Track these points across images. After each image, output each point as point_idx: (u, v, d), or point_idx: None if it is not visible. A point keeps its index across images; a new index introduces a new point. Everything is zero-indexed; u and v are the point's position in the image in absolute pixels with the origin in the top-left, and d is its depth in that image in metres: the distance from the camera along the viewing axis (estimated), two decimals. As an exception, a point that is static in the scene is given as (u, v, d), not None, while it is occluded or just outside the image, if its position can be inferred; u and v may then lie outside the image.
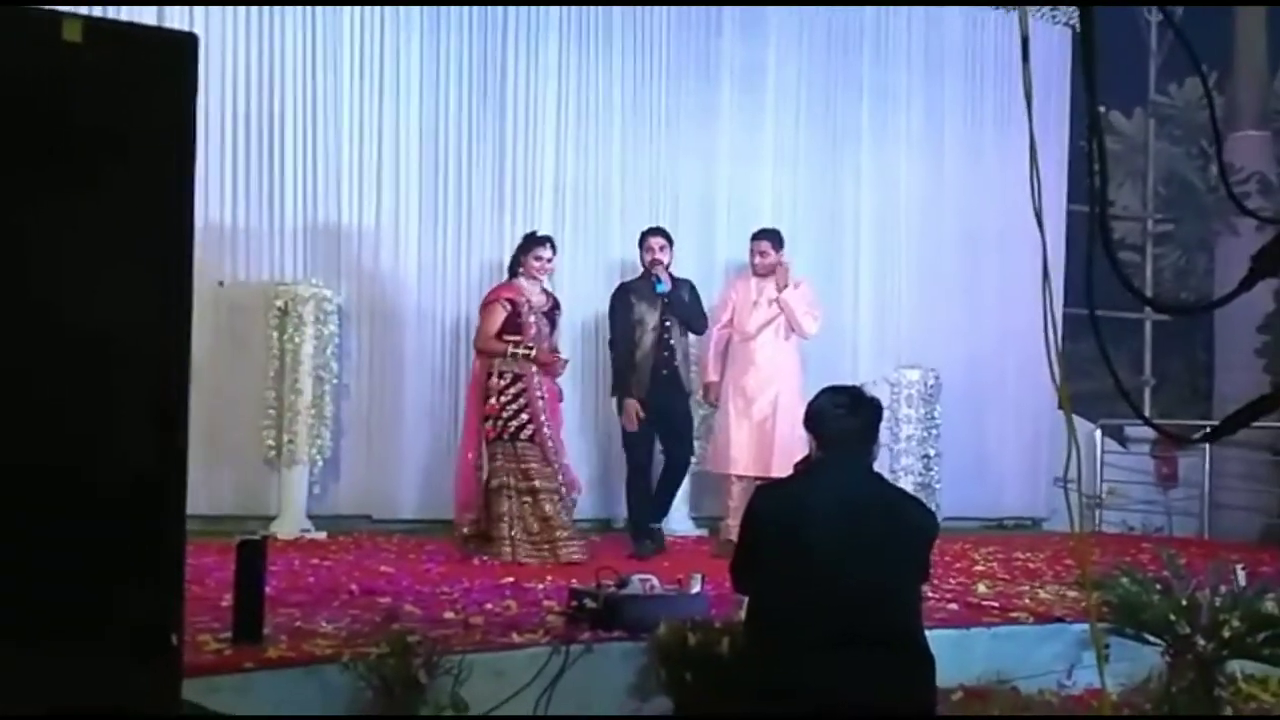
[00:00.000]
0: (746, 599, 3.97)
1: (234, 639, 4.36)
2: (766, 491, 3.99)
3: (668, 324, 7.83)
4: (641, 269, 8.00)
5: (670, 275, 7.86)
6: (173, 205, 2.51)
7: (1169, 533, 10.26)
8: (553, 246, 7.57)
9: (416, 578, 6.22)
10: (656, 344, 7.79)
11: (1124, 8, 11.15)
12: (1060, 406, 2.41)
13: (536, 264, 7.45)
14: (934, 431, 10.01)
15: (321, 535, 7.85)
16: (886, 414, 9.76)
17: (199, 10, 8.01)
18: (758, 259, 8.26)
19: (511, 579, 6.22)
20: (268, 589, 4.79)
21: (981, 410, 10.62)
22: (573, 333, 8.85)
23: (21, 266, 2.42)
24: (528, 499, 7.16)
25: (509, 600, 5.48)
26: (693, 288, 8.01)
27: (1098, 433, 11.10)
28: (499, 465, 7.19)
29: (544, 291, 7.57)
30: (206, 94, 7.98)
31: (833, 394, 3.95)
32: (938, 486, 9.99)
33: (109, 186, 2.44)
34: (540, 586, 5.93)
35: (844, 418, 3.85)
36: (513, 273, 7.52)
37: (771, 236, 8.32)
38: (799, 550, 3.58)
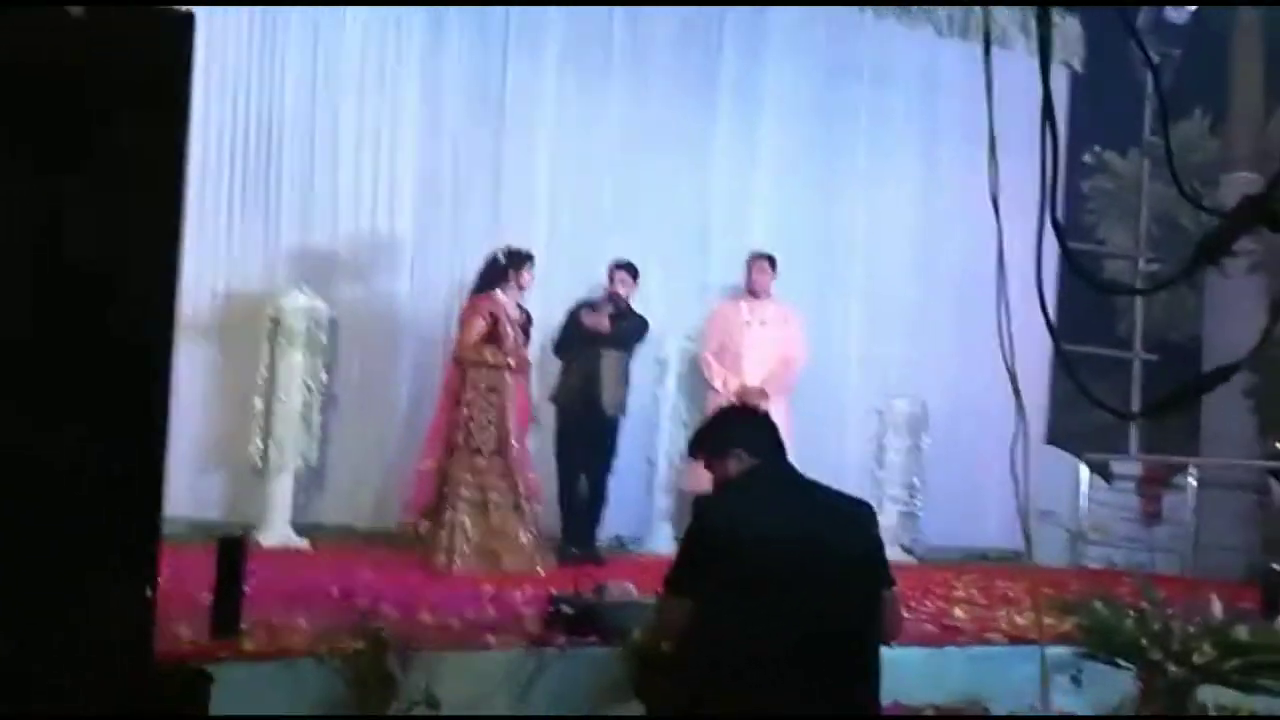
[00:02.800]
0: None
1: (211, 633, 4.39)
2: (715, 501, 3.79)
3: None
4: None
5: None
6: (168, 173, 2.59)
7: (1152, 569, 10.28)
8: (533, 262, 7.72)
9: (396, 584, 6.24)
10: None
11: (1119, 49, 11.21)
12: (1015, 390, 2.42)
13: (528, 278, 7.54)
14: (919, 461, 10.08)
15: (304, 543, 7.87)
16: (873, 443, 10.01)
17: (200, 21, 8.07)
18: (756, 277, 8.41)
19: (491, 588, 6.24)
20: (247, 590, 4.82)
21: (968, 441, 10.64)
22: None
23: (26, 231, 2.51)
24: (478, 509, 7.18)
25: (487, 606, 5.51)
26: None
27: (1083, 468, 11.13)
28: (453, 473, 7.21)
29: (519, 305, 7.66)
30: (206, 107, 8.14)
31: (732, 411, 4.18)
32: (921, 516, 10.05)
33: (109, 154, 2.53)
34: (519, 594, 5.95)
35: (757, 429, 3.85)
36: (490, 283, 7.56)
37: (771, 259, 8.52)
38: (754, 561, 3.45)
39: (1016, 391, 2.38)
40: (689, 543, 3.71)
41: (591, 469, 8.15)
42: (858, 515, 3.72)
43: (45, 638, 2.42)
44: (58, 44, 2.52)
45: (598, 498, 8.18)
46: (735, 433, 3.84)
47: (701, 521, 3.68)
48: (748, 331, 8.40)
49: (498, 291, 7.52)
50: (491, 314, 7.42)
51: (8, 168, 2.53)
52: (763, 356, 8.40)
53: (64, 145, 2.56)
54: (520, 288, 7.60)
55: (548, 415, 8.86)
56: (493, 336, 7.39)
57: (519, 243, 8.36)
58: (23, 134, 2.54)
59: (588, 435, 8.12)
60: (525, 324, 7.66)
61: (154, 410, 2.71)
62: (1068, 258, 2.22)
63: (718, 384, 8.43)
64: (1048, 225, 2.21)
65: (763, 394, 8.21)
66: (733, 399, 8.26)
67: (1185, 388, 2.07)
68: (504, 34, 9.18)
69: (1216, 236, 2.03)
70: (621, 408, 8.21)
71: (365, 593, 5.72)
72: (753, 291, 8.51)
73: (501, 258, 7.62)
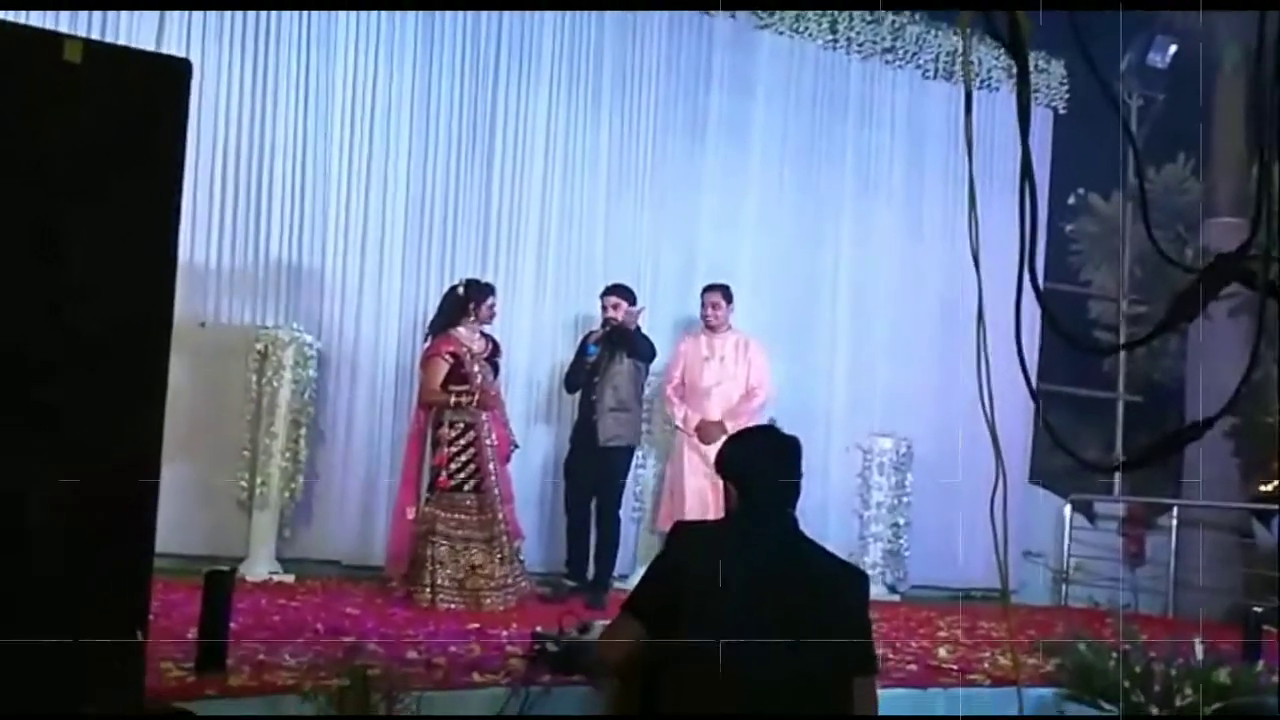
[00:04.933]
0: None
1: (197, 668, 4.39)
2: (687, 532, 3.51)
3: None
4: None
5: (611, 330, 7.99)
6: (161, 217, 2.62)
7: (1134, 610, 10.32)
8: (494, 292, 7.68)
9: (382, 620, 6.25)
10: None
11: (1104, 91, 11.31)
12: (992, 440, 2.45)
13: (489, 311, 7.52)
14: (904, 500, 10.11)
15: (289, 578, 7.86)
16: (858, 481, 10.03)
17: (194, 50, 8.15)
18: (709, 311, 8.43)
19: (477, 625, 6.25)
20: (233, 626, 4.83)
21: (953, 480, 10.67)
22: (551, 384, 9.00)
23: (21, 268, 2.54)
24: (458, 545, 7.15)
25: (473, 644, 5.52)
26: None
27: (1067, 508, 11.18)
28: (431, 513, 7.19)
29: (483, 336, 7.60)
30: (198, 135, 8.18)
31: (754, 436, 3.64)
32: (906, 555, 10.09)
33: (103, 196, 2.56)
34: (505, 633, 5.96)
35: (770, 463, 3.41)
36: (450, 320, 7.46)
37: (724, 290, 8.50)
38: (701, 609, 3.17)
39: (996, 448, 2.38)
40: (652, 566, 3.52)
41: (596, 503, 8.02)
42: (842, 588, 3.35)
43: (37, 676, 2.43)
44: (57, 85, 2.55)
45: (601, 533, 8.02)
46: (730, 459, 3.49)
47: (666, 547, 3.50)
48: (708, 366, 8.40)
49: (459, 328, 7.44)
50: (453, 354, 7.33)
51: (10, 202, 2.57)
52: (725, 390, 8.40)
53: (60, 179, 2.60)
54: (480, 320, 7.50)
55: (544, 443, 8.89)
56: (457, 376, 7.32)
57: (508, 277, 8.43)
58: (21, 167, 2.57)
59: (589, 468, 8.03)
60: (492, 355, 7.57)
61: (148, 446, 2.74)
62: (1051, 322, 2.24)
63: (678, 420, 8.46)
64: (1028, 282, 2.23)
65: (721, 428, 8.18)
66: (692, 435, 8.29)
67: (1165, 441, 2.10)
68: (496, 71, 9.24)
69: (1190, 295, 2.07)
70: (623, 437, 8.04)
71: (350, 629, 5.73)
72: (709, 325, 8.50)
73: (462, 290, 7.54)
